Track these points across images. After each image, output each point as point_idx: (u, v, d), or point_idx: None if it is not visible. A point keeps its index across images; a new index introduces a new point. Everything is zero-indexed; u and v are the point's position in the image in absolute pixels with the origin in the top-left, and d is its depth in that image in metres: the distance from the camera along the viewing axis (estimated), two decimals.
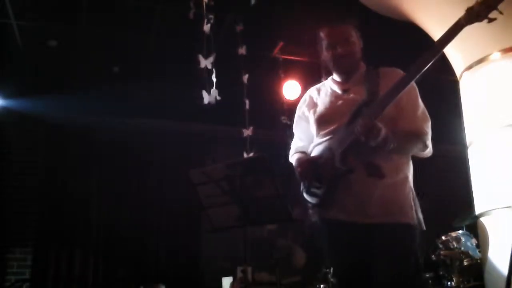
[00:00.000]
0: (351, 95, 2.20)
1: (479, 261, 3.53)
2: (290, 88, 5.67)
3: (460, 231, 3.91)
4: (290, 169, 2.32)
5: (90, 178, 5.75)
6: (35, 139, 5.63)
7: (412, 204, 2.08)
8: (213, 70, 3.61)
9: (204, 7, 3.50)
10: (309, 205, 2.21)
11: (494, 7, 1.84)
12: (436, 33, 3.55)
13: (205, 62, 3.50)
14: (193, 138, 6.15)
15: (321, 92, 2.35)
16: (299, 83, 5.69)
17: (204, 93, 3.56)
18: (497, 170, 3.07)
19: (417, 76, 1.99)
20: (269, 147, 4.52)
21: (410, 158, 2.19)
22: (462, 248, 3.75)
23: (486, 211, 3.12)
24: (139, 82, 5.36)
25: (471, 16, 1.87)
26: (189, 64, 3.76)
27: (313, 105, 2.34)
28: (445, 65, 3.68)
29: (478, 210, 3.23)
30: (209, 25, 3.50)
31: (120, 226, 5.70)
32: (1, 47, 5.01)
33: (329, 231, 2.17)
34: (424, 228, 2.11)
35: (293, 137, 2.49)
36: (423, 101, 2.20)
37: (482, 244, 3.24)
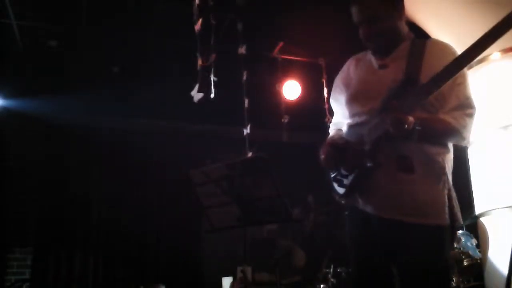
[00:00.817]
0: (388, 72, 1.98)
1: (479, 261, 3.52)
2: (290, 88, 5.67)
3: (460, 231, 3.91)
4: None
5: (90, 178, 5.76)
6: (35, 139, 5.63)
7: (446, 201, 1.89)
8: (212, 69, 3.61)
9: (196, 7, 3.50)
10: (336, 194, 2.07)
11: None
12: (436, 33, 3.54)
13: (201, 61, 3.51)
14: (193, 138, 6.15)
15: (359, 64, 2.14)
16: (299, 83, 5.70)
17: (195, 89, 3.57)
18: (497, 170, 3.07)
19: (461, 69, 1.79)
20: (269, 147, 4.52)
21: (448, 147, 1.99)
22: (462, 248, 3.75)
23: (486, 211, 3.12)
24: (139, 82, 5.36)
25: None
26: (189, 64, 3.77)
27: (348, 78, 2.15)
28: None
29: (478, 210, 3.23)
30: (200, 24, 3.50)
31: (120, 226, 5.70)
32: (1, 47, 5.01)
33: (354, 220, 2.05)
34: (461, 222, 1.96)
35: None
36: None
37: (482, 244, 3.24)
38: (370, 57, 2.10)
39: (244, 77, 4.47)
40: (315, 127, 4.84)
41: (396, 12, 1.98)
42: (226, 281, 5.22)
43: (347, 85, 2.13)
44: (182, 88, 3.73)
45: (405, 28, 2.04)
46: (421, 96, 1.82)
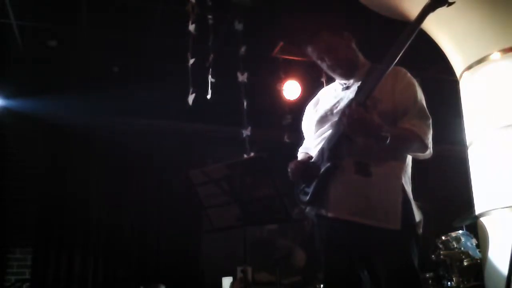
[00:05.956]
0: (349, 91, 2.17)
1: (479, 261, 3.52)
2: (290, 88, 5.67)
3: (460, 231, 3.91)
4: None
5: (90, 178, 5.75)
6: (35, 139, 5.63)
7: (401, 208, 2.00)
8: (210, 70, 3.62)
9: (190, 7, 3.51)
10: (303, 205, 2.21)
11: None
12: (435, 33, 3.55)
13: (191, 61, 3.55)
14: (193, 138, 6.15)
15: (328, 91, 2.35)
16: (299, 83, 5.69)
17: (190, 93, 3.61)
18: (497, 170, 3.07)
19: (395, 60, 1.98)
20: (269, 147, 4.52)
21: (406, 160, 2.12)
22: (462, 248, 3.75)
23: (486, 211, 3.11)
24: (139, 82, 5.36)
25: None
26: (189, 64, 3.77)
27: (317, 104, 2.34)
28: (445, 65, 3.68)
29: (478, 210, 3.23)
30: (194, 25, 3.51)
31: (120, 226, 5.70)
32: (1, 47, 5.01)
33: (318, 226, 2.19)
34: (419, 232, 2.07)
35: (297, 136, 2.52)
36: None
37: (482, 244, 3.24)
38: (337, 83, 2.31)
39: (244, 77, 4.45)
40: None
41: (347, 40, 2.20)
42: (226, 281, 5.22)
43: (315, 110, 2.31)
44: (182, 88, 3.74)
45: (360, 56, 2.24)
46: (363, 93, 1.97)
